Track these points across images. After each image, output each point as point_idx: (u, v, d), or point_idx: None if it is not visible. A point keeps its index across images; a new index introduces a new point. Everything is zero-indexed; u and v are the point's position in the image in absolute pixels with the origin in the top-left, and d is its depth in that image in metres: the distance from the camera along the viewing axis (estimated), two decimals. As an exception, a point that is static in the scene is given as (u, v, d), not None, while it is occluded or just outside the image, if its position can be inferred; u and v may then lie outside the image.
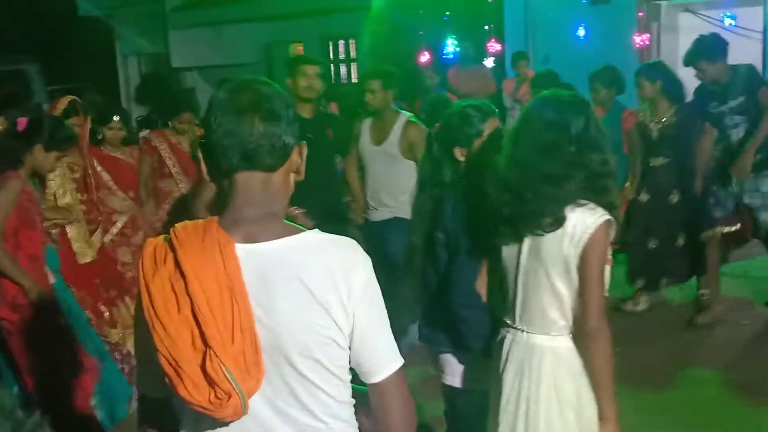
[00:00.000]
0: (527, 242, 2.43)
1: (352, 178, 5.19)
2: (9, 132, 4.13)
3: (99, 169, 4.91)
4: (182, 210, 4.85)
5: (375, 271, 1.58)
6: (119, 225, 4.98)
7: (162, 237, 1.54)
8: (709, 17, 9.21)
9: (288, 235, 1.53)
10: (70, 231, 4.48)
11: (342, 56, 13.10)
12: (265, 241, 1.52)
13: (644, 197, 5.50)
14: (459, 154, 2.77)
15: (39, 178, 4.12)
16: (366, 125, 4.95)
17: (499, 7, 9.75)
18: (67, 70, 13.86)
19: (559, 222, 2.34)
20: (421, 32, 9.83)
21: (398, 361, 1.62)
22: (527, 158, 2.37)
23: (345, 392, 1.61)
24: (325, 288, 1.50)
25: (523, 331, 2.49)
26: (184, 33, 13.50)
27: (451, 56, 9.72)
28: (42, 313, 3.82)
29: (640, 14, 8.90)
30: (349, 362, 1.59)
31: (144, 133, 6.37)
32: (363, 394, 1.63)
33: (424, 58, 9.21)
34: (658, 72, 5.42)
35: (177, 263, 1.45)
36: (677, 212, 5.42)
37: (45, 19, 15.38)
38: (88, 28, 15.23)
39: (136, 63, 16.15)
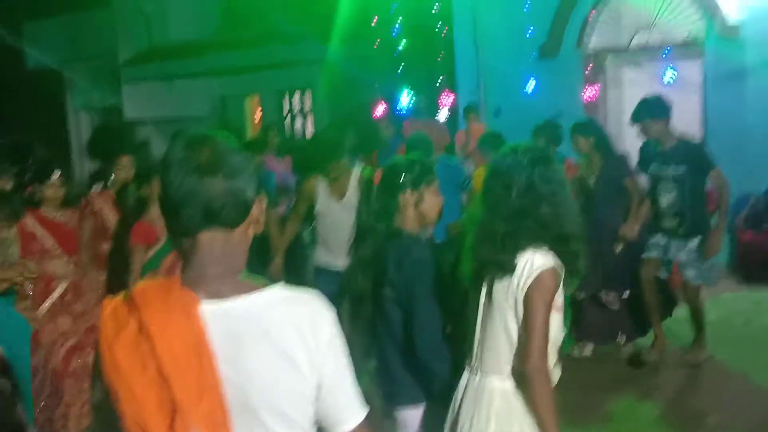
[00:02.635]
0: (486, 286, 2.55)
1: (276, 235, 5.48)
2: None
3: (39, 233, 4.51)
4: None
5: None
6: (59, 291, 4.58)
7: (121, 297, 1.52)
8: (651, 71, 9.56)
9: (253, 291, 1.53)
10: None
11: (297, 108, 13.20)
12: (230, 297, 1.51)
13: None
14: (403, 201, 2.86)
15: None
16: (322, 184, 5.10)
17: (451, 60, 9.96)
18: (16, 125, 13.66)
19: (509, 269, 2.45)
20: (375, 85, 9.98)
21: (363, 411, 1.64)
22: (481, 212, 2.54)
23: (311, 445, 1.61)
24: (293, 343, 1.50)
25: (478, 372, 2.57)
26: (137, 86, 13.48)
27: (405, 108, 9.87)
28: None
29: (587, 68, 9.18)
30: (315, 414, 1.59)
31: (95, 188, 6.14)
32: None
33: (379, 110, 9.34)
34: (591, 129, 5.73)
35: (141, 324, 1.44)
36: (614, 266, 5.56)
37: (-8, 72, 15.21)
38: (37, 81, 15.09)
39: (88, 116, 16.04)
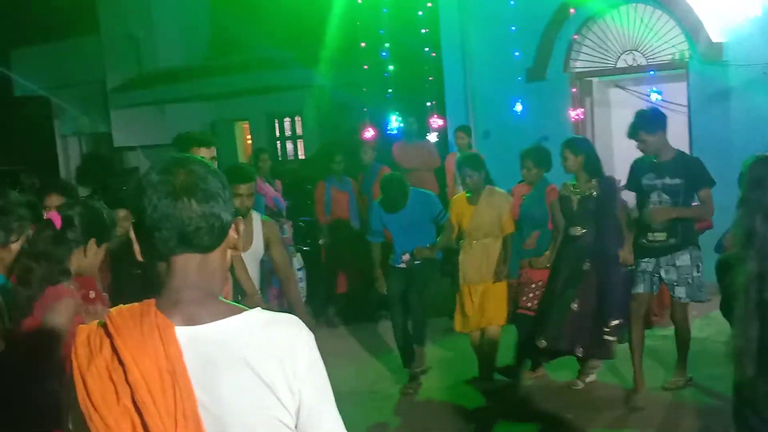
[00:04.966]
0: None
1: (244, 277, 4.45)
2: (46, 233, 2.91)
3: None
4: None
5: None
6: None
7: (96, 323, 1.50)
8: (637, 92, 9.62)
9: (230, 315, 1.51)
10: None
11: (288, 133, 13.22)
12: (206, 322, 1.49)
13: (560, 265, 5.61)
14: None
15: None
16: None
17: (440, 84, 10.00)
18: (4, 152, 13.62)
19: None
20: (365, 109, 10.01)
21: None
22: None
23: (290, 473, 1.57)
24: (270, 368, 1.47)
25: None
26: (126, 112, 13.47)
27: (395, 132, 9.89)
28: None
29: (574, 90, 9.23)
30: None
31: None
32: None
33: (369, 133, 9.35)
34: (582, 146, 5.65)
35: (114, 350, 1.41)
36: (587, 279, 5.50)
37: (-22, 100, 15.17)
38: (25, 108, 15.08)
39: (77, 143, 16.00)
